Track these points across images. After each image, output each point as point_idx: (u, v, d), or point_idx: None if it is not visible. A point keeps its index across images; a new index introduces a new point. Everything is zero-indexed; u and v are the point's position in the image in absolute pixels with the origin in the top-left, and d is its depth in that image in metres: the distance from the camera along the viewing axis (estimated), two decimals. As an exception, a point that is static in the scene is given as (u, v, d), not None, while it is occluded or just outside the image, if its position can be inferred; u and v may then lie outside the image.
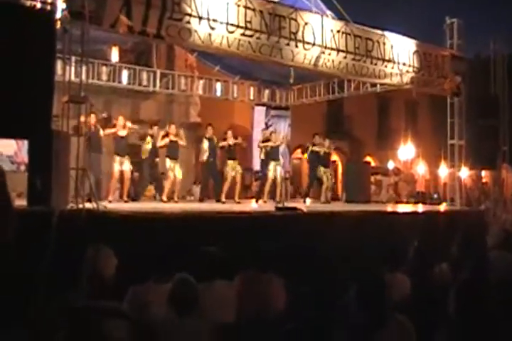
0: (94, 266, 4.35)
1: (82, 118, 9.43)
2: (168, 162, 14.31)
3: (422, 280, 5.66)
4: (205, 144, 15.22)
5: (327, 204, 15.90)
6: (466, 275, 5.18)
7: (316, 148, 16.68)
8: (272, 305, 5.59)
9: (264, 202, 15.37)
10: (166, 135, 14.55)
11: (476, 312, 4.49)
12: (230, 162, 15.15)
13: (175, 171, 14.25)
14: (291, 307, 5.71)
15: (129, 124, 13.91)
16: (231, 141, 15.15)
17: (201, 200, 15.59)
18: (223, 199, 14.78)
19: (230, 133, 15.33)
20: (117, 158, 13.39)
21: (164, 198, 14.13)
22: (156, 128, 15.09)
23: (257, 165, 20.35)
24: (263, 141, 16.50)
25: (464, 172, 16.50)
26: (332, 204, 16.01)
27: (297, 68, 14.42)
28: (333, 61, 12.99)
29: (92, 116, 13.23)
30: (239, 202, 14.80)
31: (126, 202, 13.29)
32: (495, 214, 13.82)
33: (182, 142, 14.59)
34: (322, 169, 16.71)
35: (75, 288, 4.46)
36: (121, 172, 13.41)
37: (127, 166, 13.57)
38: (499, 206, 15.39)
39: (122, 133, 13.58)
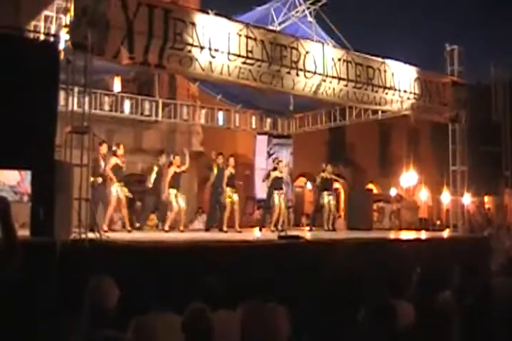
0: (96, 297, 4.34)
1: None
2: (172, 192, 14.26)
3: (426, 308, 5.62)
4: (215, 172, 15.19)
5: (330, 232, 15.85)
6: (470, 303, 5.16)
7: (326, 175, 16.69)
8: (276, 334, 5.54)
9: (272, 231, 15.28)
10: (170, 164, 14.54)
11: (480, 338, 4.47)
12: (227, 189, 14.99)
13: (179, 201, 14.20)
14: (296, 336, 5.67)
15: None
16: (232, 169, 15.07)
17: (207, 230, 15.49)
18: (225, 228, 14.72)
19: (232, 160, 15.28)
20: (117, 185, 13.32)
21: (166, 227, 14.07)
22: (163, 156, 15.05)
23: (259, 194, 20.37)
24: (273, 170, 16.48)
25: (467, 199, 16.48)
26: (335, 232, 15.96)
27: (297, 96, 14.51)
28: (333, 89, 13.09)
29: (104, 146, 13.39)
30: (240, 231, 14.65)
31: (129, 231, 13.18)
32: (498, 240, 13.76)
33: (184, 167, 14.53)
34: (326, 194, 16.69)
35: (78, 318, 4.44)
36: (119, 200, 13.30)
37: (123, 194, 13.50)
38: (502, 232, 15.34)
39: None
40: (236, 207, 14.97)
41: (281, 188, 15.83)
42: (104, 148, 13.38)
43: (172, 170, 14.37)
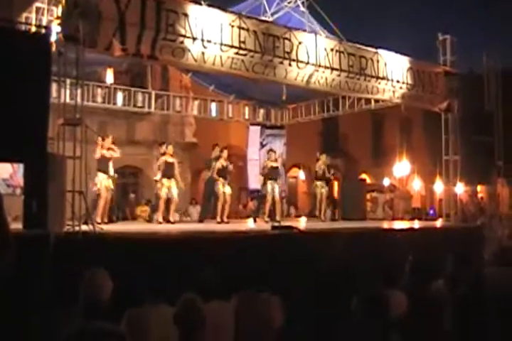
0: (90, 289, 4.35)
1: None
2: (165, 181, 14.24)
3: (419, 297, 5.65)
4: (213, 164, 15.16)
5: (325, 222, 15.91)
6: (462, 292, 5.20)
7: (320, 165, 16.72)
8: (269, 324, 5.58)
9: (266, 221, 15.28)
10: (163, 154, 14.50)
11: (472, 327, 4.50)
12: (220, 180, 14.94)
13: (171, 191, 14.16)
14: (290, 326, 5.71)
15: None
16: (223, 162, 14.98)
17: (201, 221, 15.51)
18: (218, 219, 14.72)
19: (225, 152, 15.24)
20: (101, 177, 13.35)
21: (160, 219, 14.04)
22: (164, 146, 15.02)
23: (252, 184, 20.39)
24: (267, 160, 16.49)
25: (460, 188, 16.52)
26: (329, 222, 16.01)
27: (290, 86, 14.52)
28: (326, 78, 13.09)
29: (110, 138, 13.56)
30: (227, 222, 14.59)
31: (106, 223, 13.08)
32: (491, 229, 13.82)
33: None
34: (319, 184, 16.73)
35: (72, 310, 4.45)
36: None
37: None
38: (495, 221, 15.40)
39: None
40: (228, 199, 14.94)
41: (275, 178, 15.81)
42: (107, 142, 13.55)
43: (163, 159, 14.35)
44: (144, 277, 5.35)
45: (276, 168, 15.91)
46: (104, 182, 13.21)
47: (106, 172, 13.31)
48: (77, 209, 8.69)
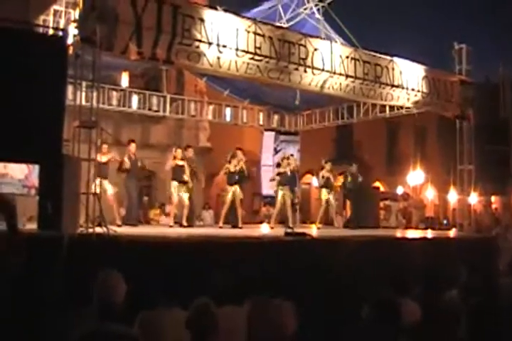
0: (104, 291, 4.34)
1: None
2: (174, 184, 14.25)
3: (432, 306, 5.61)
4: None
5: (337, 230, 15.87)
6: (476, 302, 5.14)
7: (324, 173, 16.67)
8: (282, 330, 5.55)
9: (272, 227, 15.26)
10: (173, 159, 14.52)
11: (486, 338, 4.45)
12: (229, 187, 14.94)
13: (181, 195, 14.17)
14: (302, 332, 5.67)
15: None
16: (233, 167, 14.94)
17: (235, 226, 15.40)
18: (221, 224, 14.72)
19: (240, 153, 15.22)
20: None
21: (171, 223, 14.04)
22: (190, 150, 15.03)
23: (265, 190, 20.39)
24: (276, 166, 16.52)
25: (474, 198, 16.43)
26: (341, 230, 15.96)
27: (303, 91, 14.55)
28: (340, 84, 13.08)
29: (133, 144, 13.83)
30: (241, 227, 14.58)
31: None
32: (506, 240, 13.72)
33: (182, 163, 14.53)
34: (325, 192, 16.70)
35: (85, 311, 4.45)
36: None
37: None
38: (510, 232, 15.30)
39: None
40: (238, 204, 14.87)
41: (284, 184, 15.80)
42: (132, 147, 13.85)
43: (172, 163, 14.36)
44: (157, 280, 5.35)
45: (284, 173, 15.88)
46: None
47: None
48: (91, 211, 8.70)
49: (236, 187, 14.81)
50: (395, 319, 4.43)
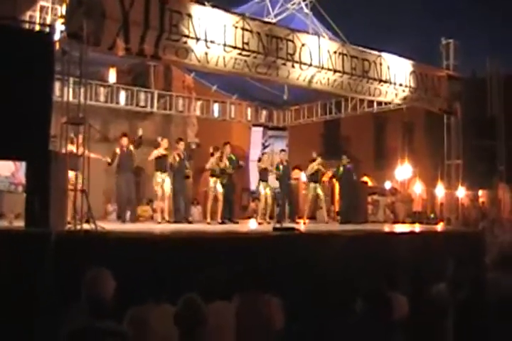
0: (92, 288, 4.34)
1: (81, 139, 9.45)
2: (159, 175, 14.15)
3: (420, 300, 5.65)
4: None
5: (326, 224, 15.91)
6: (464, 296, 5.18)
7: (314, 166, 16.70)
8: (270, 325, 5.58)
9: (259, 223, 15.28)
10: (158, 146, 14.51)
11: (474, 332, 4.49)
12: (212, 179, 14.86)
13: (164, 186, 14.10)
14: (290, 327, 5.71)
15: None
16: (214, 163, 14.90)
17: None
18: (208, 220, 14.68)
19: (227, 148, 15.22)
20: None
21: (159, 219, 13.97)
22: (181, 143, 15.05)
23: (253, 185, 20.42)
24: (257, 161, 16.58)
25: (461, 192, 16.49)
26: (329, 224, 15.99)
27: (291, 86, 14.57)
28: (328, 79, 13.11)
29: (124, 138, 13.96)
30: (209, 223, 14.44)
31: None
32: (492, 234, 13.78)
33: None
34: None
35: (74, 308, 4.45)
36: None
37: None
38: (497, 226, 15.38)
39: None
40: (220, 198, 14.82)
41: (265, 180, 15.88)
42: (124, 141, 13.99)
43: (156, 152, 14.33)
44: (146, 276, 5.34)
45: (265, 169, 15.91)
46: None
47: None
48: (79, 207, 8.68)
49: (216, 181, 14.75)
50: (387, 313, 4.45)
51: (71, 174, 12.15)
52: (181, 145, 14.79)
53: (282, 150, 17.71)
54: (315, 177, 16.69)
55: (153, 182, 14.19)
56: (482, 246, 11.33)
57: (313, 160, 16.77)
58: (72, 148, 12.63)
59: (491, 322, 4.77)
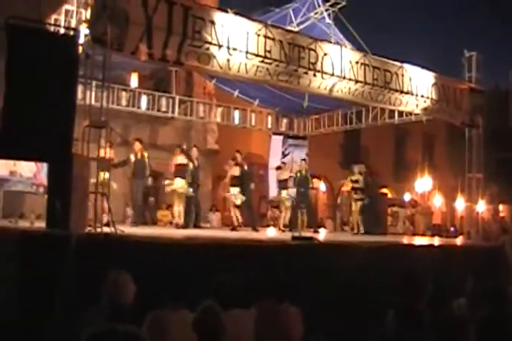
0: (113, 292, 4.33)
1: (103, 143, 9.46)
2: (180, 181, 14.26)
3: (441, 314, 5.57)
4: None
5: (345, 235, 15.90)
6: (485, 312, 5.11)
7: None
8: (288, 335, 5.52)
9: (283, 231, 15.30)
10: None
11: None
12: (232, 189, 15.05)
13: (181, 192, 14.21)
14: (309, 337, 5.65)
15: None
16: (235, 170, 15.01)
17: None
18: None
19: (238, 156, 15.28)
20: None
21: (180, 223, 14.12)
22: (194, 150, 15.16)
23: (272, 193, 20.40)
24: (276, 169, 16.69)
25: (481, 206, 16.35)
26: (349, 235, 15.94)
27: (312, 94, 14.61)
28: (349, 88, 13.10)
29: (137, 143, 13.97)
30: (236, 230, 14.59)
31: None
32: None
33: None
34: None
35: (93, 311, 4.44)
36: None
37: None
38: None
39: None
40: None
41: (284, 188, 15.97)
42: (137, 146, 14.00)
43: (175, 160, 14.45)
44: (165, 281, 5.32)
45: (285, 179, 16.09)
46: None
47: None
48: (99, 210, 8.70)
49: (236, 190, 14.85)
50: (418, 325, 4.38)
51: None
52: (195, 153, 14.82)
53: (303, 159, 17.69)
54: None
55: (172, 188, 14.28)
56: (503, 261, 11.21)
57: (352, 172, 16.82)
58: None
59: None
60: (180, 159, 14.32)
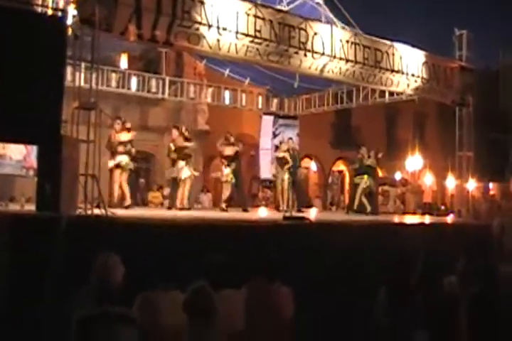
0: (102, 273, 4.34)
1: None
2: (180, 163, 14.26)
3: (432, 292, 5.60)
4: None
5: (336, 214, 15.91)
6: (475, 289, 5.15)
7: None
8: (280, 314, 5.56)
9: (285, 210, 15.29)
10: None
11: (486, 325, 4.46)
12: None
13: (182, 173, 14.22)
14: (300, 316, 5.69)
15: None
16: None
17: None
18: (223, 207, 14.71)
19: (229, 137, 15.22)
20: None
21: (178, 205, 14.11)
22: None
23: (264, 174, 20.41)
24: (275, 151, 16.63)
25: (472, 185, 16.41)
26: (339, 215, 15.97)
27: (303, 74, 14.58)
28: (340, 68, 13.07)
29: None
30: (225, 210, 14.55)
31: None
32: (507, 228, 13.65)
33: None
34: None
35: (84, 293, 4.45)
36: None
37: None
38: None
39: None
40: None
41: (281, 168, 15.94)
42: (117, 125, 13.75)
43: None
44: (155, 262, 5.32)
45: (281, 158, 15.98)
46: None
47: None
48: (90, 192, 8.68)
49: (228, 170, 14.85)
50: (409, 303, 4.41)
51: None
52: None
53: (290, 138, 17.62)
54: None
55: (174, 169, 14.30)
56: (493, 239, 11.26)
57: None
58: None
59: (503, 315, 4.74)
60: (180, 142, 14.29)
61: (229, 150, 14.84)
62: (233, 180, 14.75)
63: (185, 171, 14.18)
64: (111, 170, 13.18)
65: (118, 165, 13.23)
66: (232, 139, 15.07)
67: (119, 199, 13.28)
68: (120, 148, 13.24)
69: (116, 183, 13.26)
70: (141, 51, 19.42)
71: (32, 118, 7.51)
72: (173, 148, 14.31)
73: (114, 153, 13.19)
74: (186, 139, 14.44)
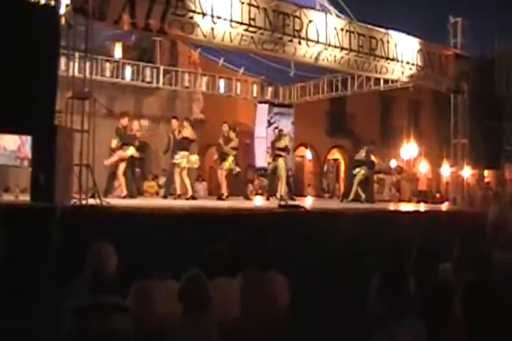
0: (95, 263, 4.34)
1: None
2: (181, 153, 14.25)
3: (427, 280, 5.62)
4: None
5: (332, 202, 15.93)
6: (470, 277, 5.16)
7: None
8: (275, 303, 5.57)
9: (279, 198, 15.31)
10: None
11: (481, 313, 4.47)
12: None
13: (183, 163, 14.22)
14: (295, 305, 5.70)
15: None
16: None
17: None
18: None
19: (225, 126, 15.19)
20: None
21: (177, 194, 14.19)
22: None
23: (259, 162, 20.41)
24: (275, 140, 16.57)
25: (467, 172, 16.45)
26: (334, 203, 15.99)
27: (298, 62, 14.57)
28: (334, 56, 13.06)
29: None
30: (223, 199, 14.62)
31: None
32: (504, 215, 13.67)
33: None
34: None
35: (78, 283, 4.45)
36: None
37: None
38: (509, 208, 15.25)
39: None
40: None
41: (281, 156, 15.95)
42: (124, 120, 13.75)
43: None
44: (150, 252, 5.33)
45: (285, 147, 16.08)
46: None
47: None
48: (84, 182, 8.67)
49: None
50: (403, 290, 4.41)
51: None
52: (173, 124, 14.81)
53: (276, 127, 17.75)
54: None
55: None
56: (488, 227, 11.28)
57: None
58: None
59: (498, 303, 4.75)
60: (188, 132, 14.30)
61: (233, 144, 14.88)
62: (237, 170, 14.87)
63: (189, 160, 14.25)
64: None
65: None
66: (231, 134, 15.04)
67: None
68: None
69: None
70: (135, 40, 19.35)
71: (26, 109, 7.50)
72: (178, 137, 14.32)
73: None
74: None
